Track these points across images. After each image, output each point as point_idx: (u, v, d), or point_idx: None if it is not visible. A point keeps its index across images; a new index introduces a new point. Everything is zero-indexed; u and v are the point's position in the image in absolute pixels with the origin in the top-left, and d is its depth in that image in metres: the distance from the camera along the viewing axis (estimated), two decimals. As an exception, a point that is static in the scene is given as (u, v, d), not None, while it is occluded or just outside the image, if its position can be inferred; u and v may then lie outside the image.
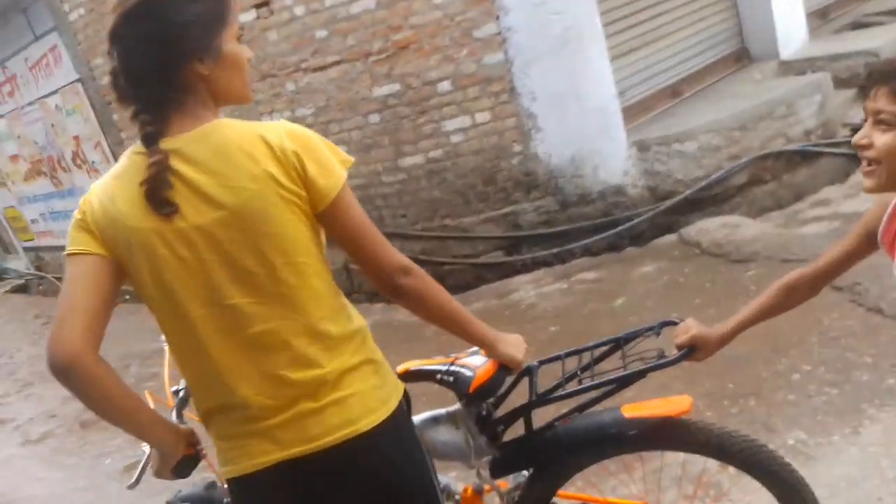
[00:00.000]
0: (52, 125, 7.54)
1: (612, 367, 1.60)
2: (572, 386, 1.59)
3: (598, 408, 1.61)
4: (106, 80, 6.78)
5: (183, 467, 1.39)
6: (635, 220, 4.28)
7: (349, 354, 1.27)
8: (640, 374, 1.53)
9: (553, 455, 1.63)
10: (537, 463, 1.66)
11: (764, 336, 2.74)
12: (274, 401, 1.23)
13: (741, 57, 5.57)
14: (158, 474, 1.41)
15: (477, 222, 4.63)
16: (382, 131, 4.66)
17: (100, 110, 6.69)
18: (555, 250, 4.41)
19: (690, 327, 1.53)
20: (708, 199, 4.31)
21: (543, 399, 1.60)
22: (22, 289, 10.06)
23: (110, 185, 1.20)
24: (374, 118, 4.68)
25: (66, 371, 1.13)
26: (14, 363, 6.76)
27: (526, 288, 4.28)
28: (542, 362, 1.68)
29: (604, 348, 1.66)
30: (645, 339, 1.62)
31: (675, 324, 1.58)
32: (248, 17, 4.94)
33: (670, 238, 4.28)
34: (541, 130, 4.24)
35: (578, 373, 1.61)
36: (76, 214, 1.22)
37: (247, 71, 1.25)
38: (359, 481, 1.27)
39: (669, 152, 4.29)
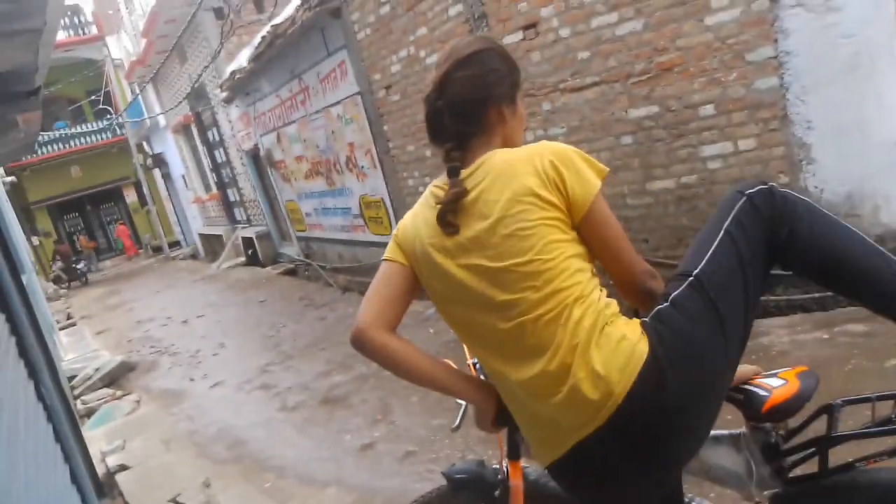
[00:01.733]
0: (332, 132, 8.44)
1: None
2: None
3: None
4: (381, 93, 7.45)
5: (501, 420, 1.51)
6: (922, 272, 3.71)
7: (597, 337, 1.32)
8: None
9: (851, 501, 1.46)
10: None
11: None
12: (540, 389, 1.34)
13: None
14: (479, 425, 1.56)
15: (727, 256, 4.34)
16: (633, 153, 4.57)
17: (374, 121, 7.34)
18: (816, 295, 3.97)
19: None
20: None
21: (847, 435, 1.44)
22: (291, 272, 11.51)
23: (417, 210, 1.51)
24: (627, 140, 4.61)
25: (355, 341, 1.41)
26: (279, 337, 7.68)
27: (778, 332, 3.91)
28: (846, 401, 1.51)
29: None
30: None
31: None
32: (513, 38, 5.12)
33: (966, 297, 3.64)
34: (814, 162, 3.86)
35: (893, 417, 1.42)
36: (394, 231, 1.53)
37: (524, 129, 1.54)
38: (639, 445, 1.30)
39: (975, 198, 3.67)
